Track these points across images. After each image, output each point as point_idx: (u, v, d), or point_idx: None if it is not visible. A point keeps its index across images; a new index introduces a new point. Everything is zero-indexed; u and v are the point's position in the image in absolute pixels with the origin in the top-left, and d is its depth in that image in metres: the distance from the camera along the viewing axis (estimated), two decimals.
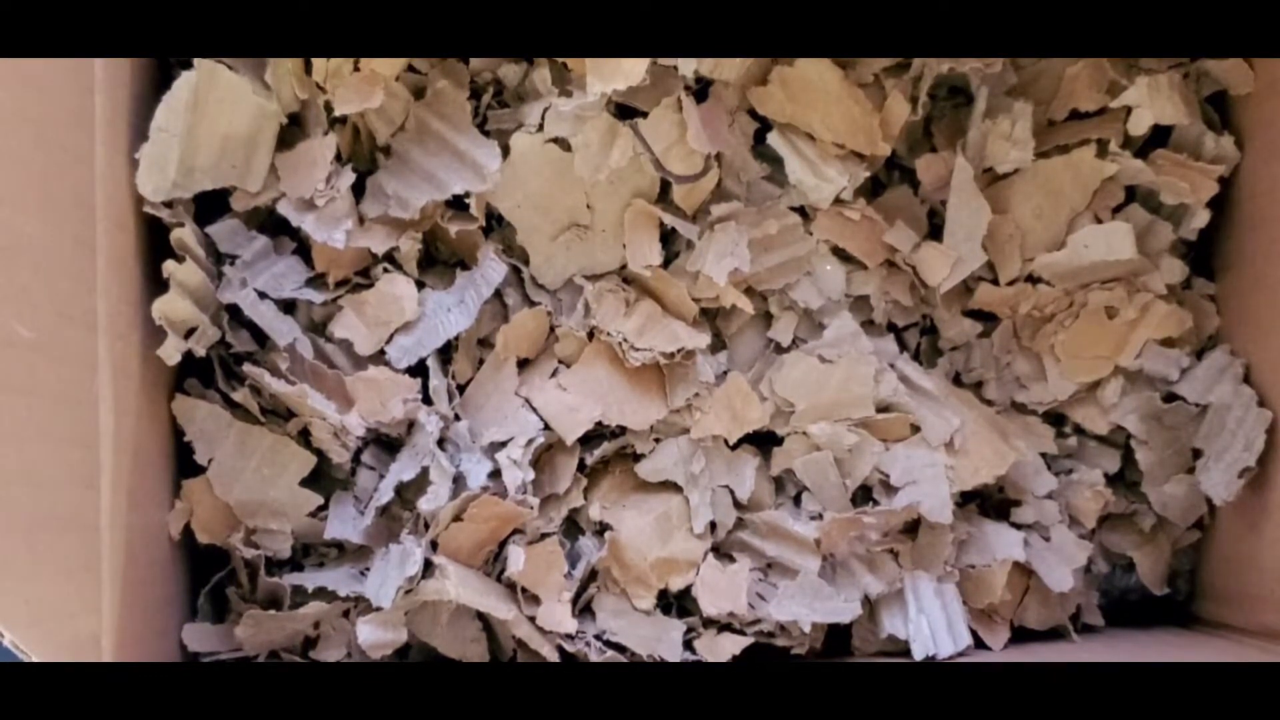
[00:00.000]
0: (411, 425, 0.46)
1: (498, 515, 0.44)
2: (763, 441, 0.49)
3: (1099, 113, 0.49)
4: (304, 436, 0.45)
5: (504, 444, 0.46)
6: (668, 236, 0.48)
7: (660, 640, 0.46)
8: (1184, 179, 0.49)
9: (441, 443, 0.45)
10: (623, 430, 0.48)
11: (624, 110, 0.46)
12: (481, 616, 0.46)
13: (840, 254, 0.49)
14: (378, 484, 0.45)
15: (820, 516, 0.47)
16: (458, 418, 0.46)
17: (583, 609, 0.47)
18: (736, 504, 0.48)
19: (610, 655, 0.45)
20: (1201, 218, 0.50)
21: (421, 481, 0.44)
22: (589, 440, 0.47)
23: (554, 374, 0.47)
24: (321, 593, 0.44)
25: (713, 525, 0.47)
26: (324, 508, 0.45)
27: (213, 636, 0.45)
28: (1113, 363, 0.50)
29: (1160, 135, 0.50)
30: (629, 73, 0.43)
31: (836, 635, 0.49)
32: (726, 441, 0.48)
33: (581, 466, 0.47)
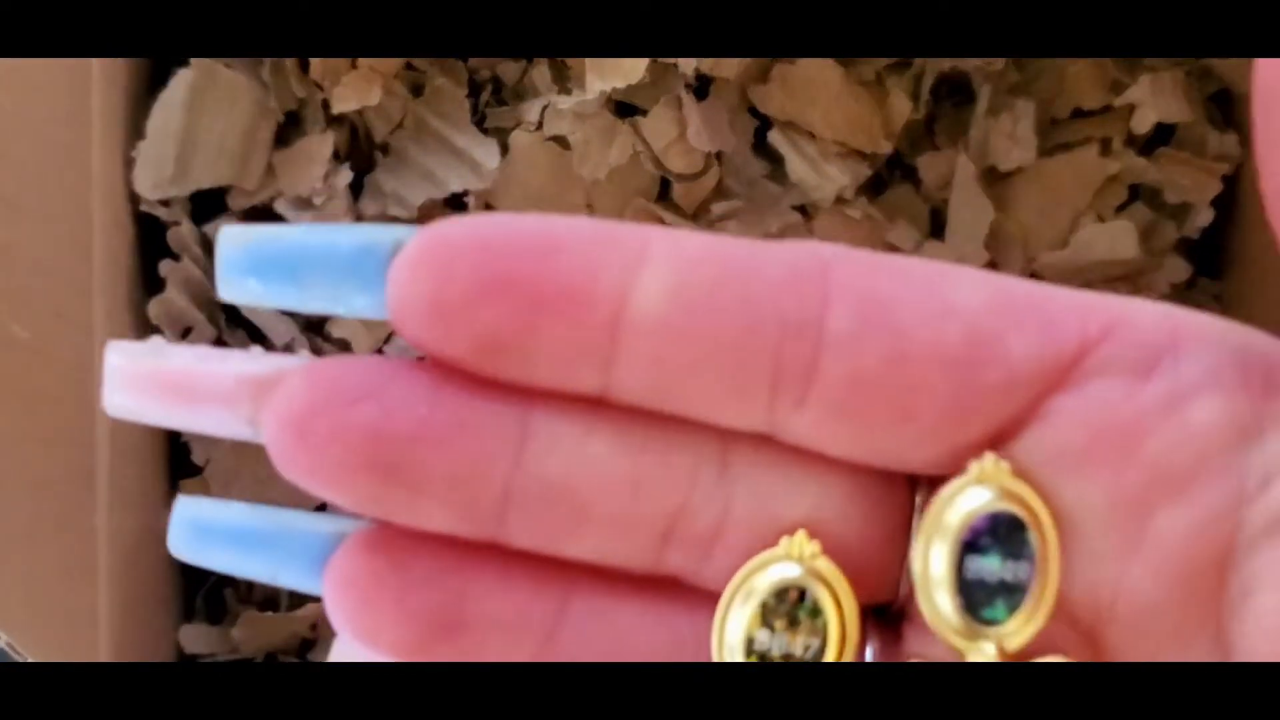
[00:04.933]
0: None
1: None
2: None
3: (1102, 111, 0.49)
4: None
5: None
6: None
7: None
8: (1187, 177, 0.48)
9: None
10: None
11: (623, 108, 0.46)
12: None
13: None
14: None
15: None
16: None
17: None
18: None
19: None
20: (1205, 216, 0.49)
21: None
22: None
23: None
24: None
25: None
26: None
27: (210, 637, 0.45)
28: None
29: (1164, 133, 0.49)
30: (629, 71, 0.43)
31: None
32: None
33: None
